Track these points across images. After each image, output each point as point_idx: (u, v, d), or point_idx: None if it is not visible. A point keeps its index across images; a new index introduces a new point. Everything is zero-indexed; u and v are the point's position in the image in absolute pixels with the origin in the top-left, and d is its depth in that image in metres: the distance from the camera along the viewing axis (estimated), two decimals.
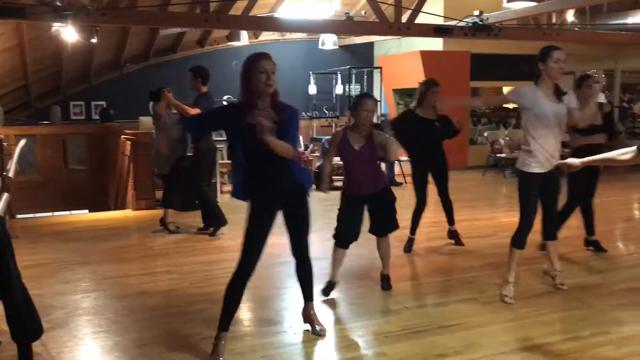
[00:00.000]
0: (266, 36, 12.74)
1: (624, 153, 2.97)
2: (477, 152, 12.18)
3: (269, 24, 8.93)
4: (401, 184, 9.85)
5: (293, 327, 3.89)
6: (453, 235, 6.01)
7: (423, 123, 5.51)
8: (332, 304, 4.33)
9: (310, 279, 3.78)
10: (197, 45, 12.43)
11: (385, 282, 4.66)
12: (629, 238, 6.53)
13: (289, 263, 3.73)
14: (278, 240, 3.73)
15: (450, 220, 5.95)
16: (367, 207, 4.44)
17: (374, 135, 4.27)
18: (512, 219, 5.72)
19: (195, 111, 5.89)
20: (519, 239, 4.33)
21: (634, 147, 2.87)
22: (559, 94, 4.17)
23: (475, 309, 4.20)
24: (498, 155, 11.36)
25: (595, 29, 10.76)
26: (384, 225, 4.50)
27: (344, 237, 4.41)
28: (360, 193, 4.35)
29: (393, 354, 3.49)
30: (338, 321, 4.09)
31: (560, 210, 5.09)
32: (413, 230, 5.77)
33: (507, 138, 11.45)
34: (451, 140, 5.64)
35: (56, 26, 7.51)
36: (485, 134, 11.86)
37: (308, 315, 3.84)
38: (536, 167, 4.16)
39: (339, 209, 4.44)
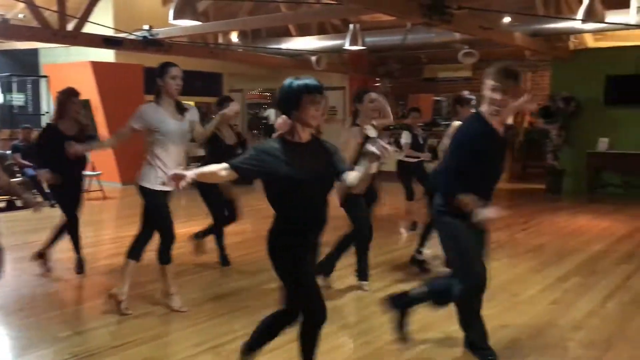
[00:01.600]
0: None
1: (221, 169, 2.71)
2: None
3: None
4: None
5: None
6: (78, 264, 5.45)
7: (63, 138, 4.95)
8: None
9: None
10: None
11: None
12: None
13: None
14: None
15: (77, 249, 5.45)
16: None
17: None
18: (189, 229, 5.95)
19: None
20: (162, 254, 4.35)
21: (227, 165, 2.70)
22: (181, 109, 4.23)
23: (150, 323, 4.21)
24: None
25: (257, 51, 11.85)
26: None
27: None
28: None
29: None
30: None
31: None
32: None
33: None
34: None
35: None
36: None
37: None
38: (160, 185, 4.14)
39: None
